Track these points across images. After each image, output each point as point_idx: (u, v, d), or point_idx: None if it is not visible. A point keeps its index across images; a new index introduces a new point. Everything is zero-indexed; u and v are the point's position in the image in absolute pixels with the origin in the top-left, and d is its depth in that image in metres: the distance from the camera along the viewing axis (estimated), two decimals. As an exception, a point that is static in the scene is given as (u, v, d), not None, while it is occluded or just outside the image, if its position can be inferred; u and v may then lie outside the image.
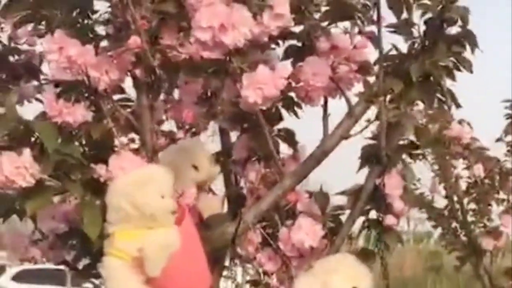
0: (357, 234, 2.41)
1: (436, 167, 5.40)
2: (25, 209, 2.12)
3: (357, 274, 2.14)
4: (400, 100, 2.20)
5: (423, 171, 5.50)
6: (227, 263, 2.60)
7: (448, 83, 2.30)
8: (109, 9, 2.18)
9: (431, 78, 2.23)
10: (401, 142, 2.32)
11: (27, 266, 18.57)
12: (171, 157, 2.37)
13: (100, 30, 2.21)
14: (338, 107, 2.34)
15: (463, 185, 5.48)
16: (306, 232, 2.31)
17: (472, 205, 5.50)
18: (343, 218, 2.41)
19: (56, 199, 2.29)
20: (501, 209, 5.48)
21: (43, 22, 2.16)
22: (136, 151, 2.15)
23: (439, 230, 5.82)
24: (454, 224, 5.64)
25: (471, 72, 2.21)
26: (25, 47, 2.57)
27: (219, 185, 2.62)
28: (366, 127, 2.27)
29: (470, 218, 5.49)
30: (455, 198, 5.48)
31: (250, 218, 2.35)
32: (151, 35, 2.10)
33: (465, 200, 5.51)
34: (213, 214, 2.47)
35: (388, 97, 2.23)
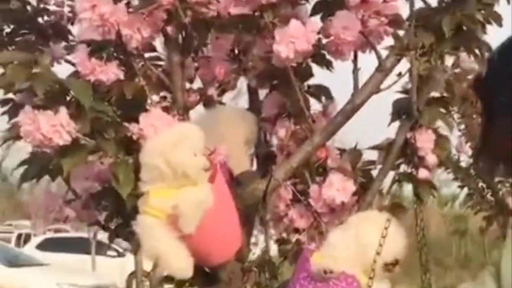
0: (388, 189, 2.41)
1: (462, 126, 5.39)
2: (59, 169, 2.15)
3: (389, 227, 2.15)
4: (431, 53, 2.19)
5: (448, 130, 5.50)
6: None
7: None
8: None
9: (464, 30, 2.20)
10: (433, 96, 2.30)
11: (51, 234, 18.79)
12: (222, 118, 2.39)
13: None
14: (368, 62, 2.33)
15: (489, 144, 5.47)
16: (337, 188, 2.32)
17: (499, 164, 5.50)
18: (374, 173, 2.41)
19: (89, 159, 2.31)
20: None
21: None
22: (167, 109, 2.16)
23: (464, 193, 5.82)
24: (480, 184, 5.64)
25: (500, 25, 2.19)
26: (53, 8, 2.58)
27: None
28: (397, 81, 2.26)
29: (496, 178, 5.49)
30: (482, 158, 5.47)
31: (280, 175, 2.36)
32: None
33: (492, 159, 5.50)
34: (244, 171, 2.47)
35: (419, 51, 2.22)
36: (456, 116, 5.40)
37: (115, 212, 2.47)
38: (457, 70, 5.22)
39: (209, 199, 2.09)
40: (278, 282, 2.62)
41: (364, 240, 2.15)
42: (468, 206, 6.01)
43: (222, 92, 2.52)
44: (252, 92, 2.54)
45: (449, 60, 2.42)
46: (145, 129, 2.04)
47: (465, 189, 5.91)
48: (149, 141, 2.06)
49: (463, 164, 5.67)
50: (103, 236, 15.16)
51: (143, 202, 2.09)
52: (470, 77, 5.25)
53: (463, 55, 5.32)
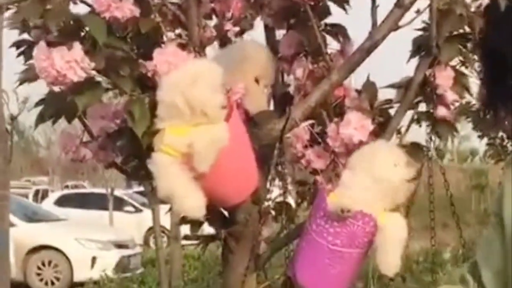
0: (406, 127, 2.38)
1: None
2: (75, 107, 2.14)
3: (399, 155, 2.15)
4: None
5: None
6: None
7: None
8: None
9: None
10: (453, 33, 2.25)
11: (69, 190, 18.91)
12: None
13: None
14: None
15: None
16: (355, 127, 2.29)
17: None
18: (392, 112, 2.38)
19: (105, 98, 2.30)
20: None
21: None
22: (183, 46, 2.13)
23: (483, 147, 5.75)
24: (500, 134, 5.59)
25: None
26: None
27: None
28: (416, 17, 2.22)
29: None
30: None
31: (298, 114, 2.34)
32: None
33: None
34: (261, 111, 2.45)
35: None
36: (476, 64, 5.35)
37: (132, 153, 2.46)
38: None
39: (224, 138, 2.07)
40: (295, 225, 2.62)
41: (377, 174, 2.14)
42: (488, 156, 5.96)
43: (240, 32, 2.50)
44: (269, 31, 2.51)
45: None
46: (160, 66, 2.03)
47: (485, 142, 5.86)
48: (167, 78, 2.04)
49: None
50: (120, 192, 15.25)
51: (159, 139, 2.08)
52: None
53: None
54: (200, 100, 2.03)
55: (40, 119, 2.32)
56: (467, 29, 2.25)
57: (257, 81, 2.38)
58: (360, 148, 2.26)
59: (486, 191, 15.37)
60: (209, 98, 2.04)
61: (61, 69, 1.95)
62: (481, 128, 5.62)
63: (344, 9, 2.44)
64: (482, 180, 14.22)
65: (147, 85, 2.12)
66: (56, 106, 2.26)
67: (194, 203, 2.08)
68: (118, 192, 16.37)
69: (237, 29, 2.33)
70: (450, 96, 2.26)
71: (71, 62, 1.96)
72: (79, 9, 2.42)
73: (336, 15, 2.45)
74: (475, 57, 4.96)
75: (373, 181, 2.18)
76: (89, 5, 2.19)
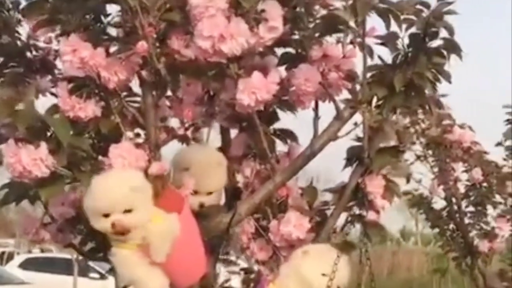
0: (341, 228, 2.60)
1: (436, 169, 5.58)
2: (38, 195, 2.34)
3: (329, 261, 2.36)
4: (383, 106, 2.39)
5: (424, 173, 5.70)
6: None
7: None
8: (120, 13, 2.37)
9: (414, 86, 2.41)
10: (385, 145, 2.49)
11: (34, 254, 18.82)
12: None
13: (112, 31, 2.42)
14: (328, 111, 2.53)
15: (462, 188, 5.67)
16: (294, 225, 2.52)
17: (470, 208, 5.70)
18: (329, 213, 2.60)
19: (66, 187, 2.49)
20: (497, 212, 5.67)
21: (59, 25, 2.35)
22: (141, 145, 2.35)
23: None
24: (451, 226, 5.82)
25: (450, 82, 2.40)
26: (42, 44, 2.76)
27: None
28: (352, 130, 2.46)
29: (467, 220, 5.68)
30: (454, 200, 5.67)
31: (243, 210, 2.55)
32: (159, 38, 2.30)
33: (463, 203, 5.70)
34: (211, 205, 2.67)
35: (374, 103, 2.42)
36: (430, 159, 5.61)
37: (89, 236, 2.65)
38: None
39: (176, 229, 2.28)
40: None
41: (303, 272, 2.36)
42: (439, 246, 6.17)
43: (196, 130, 2.73)
44: (224, 132, 2.74)
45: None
46: (114, 160, 2.22)
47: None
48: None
49: (435, 206, 5.85)
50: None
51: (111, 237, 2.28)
52: (444, 122, 5.48)
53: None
54: (93, 225, 2.21)
55: (4, 201, 2.52)
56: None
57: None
58: (303, 247, 2.47)
59: (447, 275, 15.56)
60: (96, 222, 2.20)
61: (27, 166, 2.13)
62: (432, 219, 5.85)
63: (293, 113, 2.67)
64: (444, 264, 14.39)
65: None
66: (20, 192, 2.47)
67: (157, 286, 2.28)
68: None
69: (188, 133, 2.55)
70: (380, 202, 2.49)
71: (36, 160, 2.14)
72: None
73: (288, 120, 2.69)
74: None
75: (303, 283, 2.40)
76: (57, 97, 2.40)
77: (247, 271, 2.95)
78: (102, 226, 2.20)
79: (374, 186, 2.47)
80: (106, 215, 2.18)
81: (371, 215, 2.52)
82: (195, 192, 2.50)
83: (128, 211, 2.19)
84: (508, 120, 5.84)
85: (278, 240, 2.56)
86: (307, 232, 2.53)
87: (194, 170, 2.54)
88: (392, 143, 2.49)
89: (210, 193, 2.60)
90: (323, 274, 2.35)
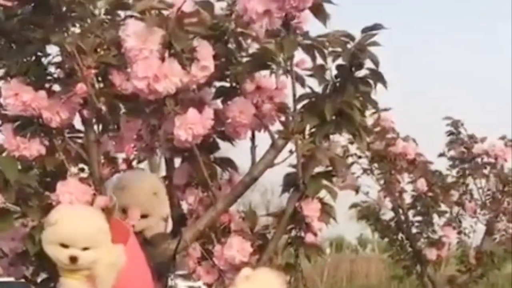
0: (281, 250, 2.73)
1: (382, 181, 5.75)
2: (-13, 232, 2.44)
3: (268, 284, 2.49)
4: (316, 135, 2.53)
5: (371, 186, 5.87)
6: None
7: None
8: (60, 53, 2.47)
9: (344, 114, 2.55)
10: (318, 171, 2.63)
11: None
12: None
13: (53, 69, 2.52)
14: (264, 139, 2.66)
15: (408, 198, 5.85)
16: (236, 249, 2.64)
17: (417, 217, 5.87)
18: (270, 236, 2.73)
19: (16, 223, 2.59)
20: (443, 221, 5.86)
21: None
22: (84, 180, 2.45)
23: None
24: (400, 236, 6.00)
25: (377, 110, 2.54)
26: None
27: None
28: (288, 157, 2.59)
29: (414, 230, 5.86)
30: (401, 211, 5.84)
31: (188, 236, 2.67)
32: (100, 74, 2.41)
33: (410, 213, 5.87)
34: (157, 233, 2.79)
35: (307, 132, 2.56)
36: (376, 172, 5.78)
37: (40, 268, 2.74)
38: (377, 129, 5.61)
39: (121, 260, 2.39)
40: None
41: None
42: (388, 256, 6.34)
43: (139, 162, 2.85)
44: (168, 161, 2.86)
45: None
46: (61, 196, 2.34)
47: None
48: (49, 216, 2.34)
49: (384, 217, 6.01)
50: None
51: (61, 268, 2.38)
52: (388, 136, 5.65)
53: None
54: (51, 255, 2.34)
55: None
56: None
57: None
58: (246, 272, 2.59)
59: (405, 281, 15.77)
60: (51, 251, 2.33)
61: (-24, 203, 2.25)
62: (380, 230, 6.02)
63: (232, 143, 2.79)
64: (400, 270, 14.58)
65: (53, 213, 2.42)
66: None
67: None
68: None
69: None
70: (317, 224, 2.62)
71: (-15, 197, 2.26)
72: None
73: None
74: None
75: None
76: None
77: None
78: (57, 255, 2.32)
79: (310, 210, 2.60)
80: (65, 246, 2.30)
81: (309, 237, 2.65)
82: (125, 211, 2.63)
83: (86, 248, 2.32)
84: (449, 131, 6.06)
85: (223, 264, 2.68)
86: (250, 255, 2.65)
87: (128, 192, 2.67)
88: (326, 168, 2.63)
89: (144, 216, 2.76)
90: None
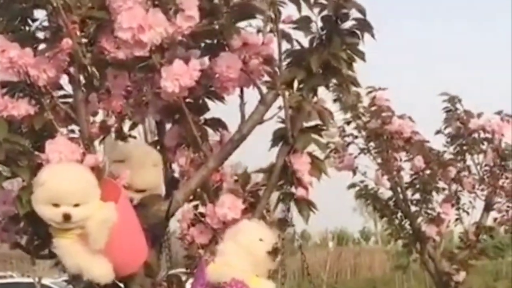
0: (273, 206, 2.73)
1: (379, 160, 5.75)
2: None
3: (262, 230, 2.50)
4: (303, 88, 2.53)
5: (368, 166, 5.87)
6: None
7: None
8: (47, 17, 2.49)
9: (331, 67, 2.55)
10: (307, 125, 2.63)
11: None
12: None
13: (40, 35, 2.53)
14: (254, 96, 2.67)
15: (406, 176, 5.85)
16: (228, 206, 2.64)
17: (415, 196, 5.88)
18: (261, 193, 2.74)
19: (6, 185, 2.59)
20: (442, 198, 5.86)
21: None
22: (75, 140, 2.46)
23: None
24: (399, 214, 6.00)
25: (364, 61, 2.55)
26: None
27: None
28: (277, 113, 2.59)
29: (413, 208, 5.86)
30: (399, 189, 5.84)
31: (180, 197, 2.67)
32: (89, 40, 2.42)
33: (408, 191, 5.88)
34: (149, 195, 2.79)
35: (294, 86, 2.57)
36: (373, 151, 5.79)
37: (34, 234, 2.74)
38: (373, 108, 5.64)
39: (112, 217, 2.39)
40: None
41: (243, 243, 2.49)
42: (388, 234, 6.34)
43: (133, 126, 2.86)
44: (159, 125, 2.86)
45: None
46: (50, 155, 2.34)
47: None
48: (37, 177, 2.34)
49: (382, 196, 6.01)
50: (48, 281, 15.05)
51: (53, 228, 2.39)
52: (384, 114, 5.65)
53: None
54: (43, 216, 2.34)
55: None
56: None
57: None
58: (235, 224, 2.60)
59: (409, 271, 15.79)
60: (43, 211, 2.33)
61: (-35, 163, 2.26)
62: (379, 209, 6.02)
63: (222, 102, 2.79)
64: (404, 261, 14.62)
65: (43, 173, 2.42)
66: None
67: (102, 271, 2.40)
68: (46, 281, 16.27)
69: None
70: (307, 178, 2.62)
71: (-26, 156, 2.26)
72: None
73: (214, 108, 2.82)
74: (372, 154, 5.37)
75: (244, 253, 2.53)
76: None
77: (189, 257, 3.06)
78: (49, 215, 2.32)
79: (300, 164, 2.60)
80: (56, 205, 2.30)
81: (300, 191, 2.65)
82: (126, 187, 2.63)
83: (77, 205, 2.32)
84: (446, 107, 6.06)
85: (216, 222, 2.68)
86: (242, 213, 2.65)
87: (128, 164, 2.67)
88: (315, 122, 2.63)
89: (140, 191, 2.74)
90: (260, 239, 2.49)
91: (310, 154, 2.63)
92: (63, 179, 2.33)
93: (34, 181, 2.34)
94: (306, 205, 2.66)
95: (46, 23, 2.51)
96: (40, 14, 2.54)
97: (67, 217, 2.32)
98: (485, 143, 5.95)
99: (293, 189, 2.69)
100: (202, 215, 2.78)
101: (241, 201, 2.65)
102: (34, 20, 2.54)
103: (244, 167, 2.91)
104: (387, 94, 5.83)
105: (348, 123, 5.87)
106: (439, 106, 6.06)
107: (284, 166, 2.64)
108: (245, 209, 2.66)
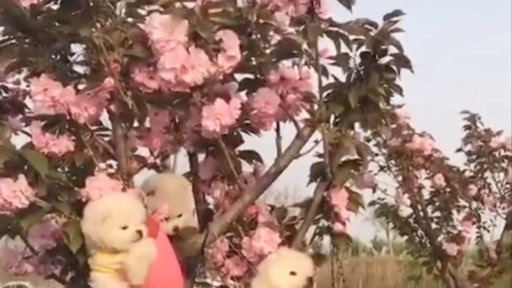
0: (310, 240, 2.74)
1: (400, 178, 5.75)
2: (18, 228, 2.45)
3: (295, 262, 2.50)
4: (341, 123, 2.54)
5: (388, 183, 5.87)
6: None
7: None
8: (85, 51, 2.50)
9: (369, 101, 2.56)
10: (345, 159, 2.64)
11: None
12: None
13: (79, 69, 2.54)
14: (290, 130, 2.67)
15: (426, 194, 5.85)
16: (265, 240, 2.65)
17: (436, 213, 5.87)
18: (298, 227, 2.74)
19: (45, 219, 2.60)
20: (463, 216, 5.85)
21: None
22: (113, 175, 2.47)
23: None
24: (419, 232, 5.99)
25: (402, 95, 2.55)
26: (11, 86, 2.87)
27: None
28: (313, 147, 2.60)
29: (434, 226, 5.85)
30: (419, 207, 5.84)
31: (216, 230, 2.68)
32: (122, 72, 2.43)
33: (429, 209, 5.87)
34: (185, 227, 2.80)
35: (332, 121, 2.57)
36: (394, 169, 5.78)
37: (69, 266, 2.76)
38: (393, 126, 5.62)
39: (152, 253, 2.41)
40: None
41: (271, 277, 2.51)
42: (408, 253, 6.32)
43: (164, 158, 2.86)
44: (192, 157, 2.87)
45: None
46: (91, 192, 2.35)
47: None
48: (87, 209, 2.37)
49: (402, 214, 6.01)
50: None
51: (92, 261, 2.40)
52: (405, 133, 5.65)
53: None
54: (109, 239, 2.34)
55: (-13, 236, 2.62)
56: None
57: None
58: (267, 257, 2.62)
59: (421, 282, 15.74)
60: (117, 235, 2.35)
61: (8, 198, 2.26)
62: (399, 227, 6.02)
63: (258, 135, 2.80)
64: (417, 271, 14.58)
65: (82, 209, 2.44)
66: (1, 227, 2.57)
67: None
68: (59, 292, 16.26)
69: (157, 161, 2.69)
70: (345, 213, 2.63)
71: (16, 191, 2.26)
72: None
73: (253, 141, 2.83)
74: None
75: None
76: (29, 135, 2.51)
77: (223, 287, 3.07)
78: (122, 238, 2.34)
79: (339, 198, 2.61)
80: (125, 228, 2.34)
81: (337, 226, 2.66)
82: (166, 219, 2.65)
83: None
84: (466, 126, 6.06)
85: (252, 255, 2.68)
86: (278, 246, 2.65)
87: (159, 195, 2.69)
88: (353, 156, 2.63)
89: (180, 215, 2.79)
90: (292, 273, 2.49)
91: (347, 188, 2.64)
92: (125, 203, 2.38)
93: (93, 220, 2.34)
94: (343, 239, 2.67)
95: (83, 57, 2.53)
96: (76, 48, 2.55)
97: (140, 232, 2.36)
98: (506, 161, 5.96)
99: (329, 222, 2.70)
100: (237, 246, 2.79)
101: (278, 234, 2.66)
102: (71, 54, 2.55)
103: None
104: (406, 110, 5.82)
105: (369, 140, 5.87)
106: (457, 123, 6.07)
107: (321, 201, 2.64)
108: (281, 242, 2.66)
